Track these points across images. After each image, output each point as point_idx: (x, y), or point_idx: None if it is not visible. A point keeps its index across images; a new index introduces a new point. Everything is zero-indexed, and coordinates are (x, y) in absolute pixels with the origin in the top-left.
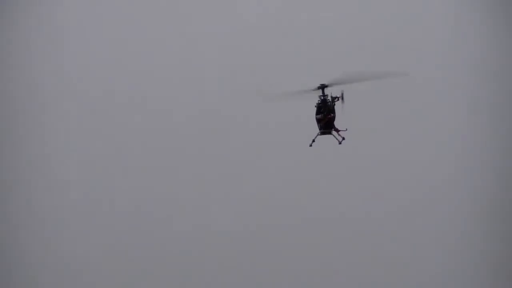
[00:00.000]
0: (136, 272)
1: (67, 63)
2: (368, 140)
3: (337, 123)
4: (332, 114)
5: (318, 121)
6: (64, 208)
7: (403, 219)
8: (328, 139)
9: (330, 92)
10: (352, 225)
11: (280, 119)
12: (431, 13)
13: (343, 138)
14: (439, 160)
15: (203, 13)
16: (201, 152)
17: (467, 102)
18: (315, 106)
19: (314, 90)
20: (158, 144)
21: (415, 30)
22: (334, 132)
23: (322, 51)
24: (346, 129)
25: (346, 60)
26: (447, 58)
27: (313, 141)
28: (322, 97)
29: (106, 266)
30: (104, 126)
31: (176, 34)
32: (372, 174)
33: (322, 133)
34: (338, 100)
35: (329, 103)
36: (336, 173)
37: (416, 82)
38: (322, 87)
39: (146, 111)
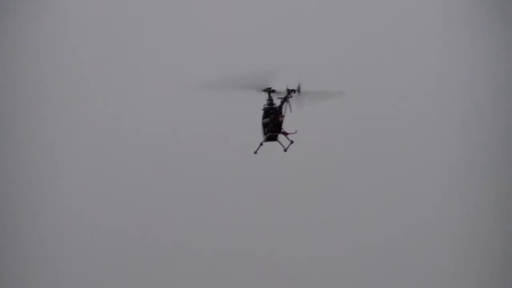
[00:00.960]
0: (136, 274)
1: (72, 63)
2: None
3: (296, 119)
4: (281, 116)
5: (265, 125)
6: (66, 209)
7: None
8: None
9: (286, 85)
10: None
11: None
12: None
13: (292, 142)
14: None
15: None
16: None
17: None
18: (262, 109)
19: (259, 91)
20: (159, 145)
21: (410, 31)
22: (280, 138)
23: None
24: (296, 131)
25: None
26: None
27: (260, 145)
28: (268, 101)
29: (105, 267)
30: (106, 126)
31: (179, 33)
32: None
33: (269, 137)
34: (294, 93)
35: (276, 107)
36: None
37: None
38: (269, 90)
39: (149, 112)
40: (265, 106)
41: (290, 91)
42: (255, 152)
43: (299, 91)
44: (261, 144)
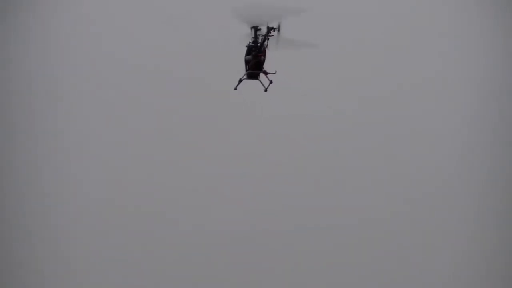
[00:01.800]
0: (139, 272)
1: (80, 63)
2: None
3: (270, 59)
4: (263, 55)
5: (247, 62)
6: (74, 207)
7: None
8: None
9: (266, 23)
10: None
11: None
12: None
13: (271, 82)
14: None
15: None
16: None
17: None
18: (246, 46)
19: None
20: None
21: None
22: (261, 77)
23: None
24: (276, 72)
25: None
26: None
27: (239, 82)
28: (253, 39)
29: (108, 267)
30: (112, 123)
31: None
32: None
33: (250, 74)
34: (274, 31)
35: (259, 45)
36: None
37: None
38: (255, 28)
39: (153, 109)
40: (249, 44)
41: (270, 29)
42: (235, 89)
43: (279, 30)
44: (240, 81)
